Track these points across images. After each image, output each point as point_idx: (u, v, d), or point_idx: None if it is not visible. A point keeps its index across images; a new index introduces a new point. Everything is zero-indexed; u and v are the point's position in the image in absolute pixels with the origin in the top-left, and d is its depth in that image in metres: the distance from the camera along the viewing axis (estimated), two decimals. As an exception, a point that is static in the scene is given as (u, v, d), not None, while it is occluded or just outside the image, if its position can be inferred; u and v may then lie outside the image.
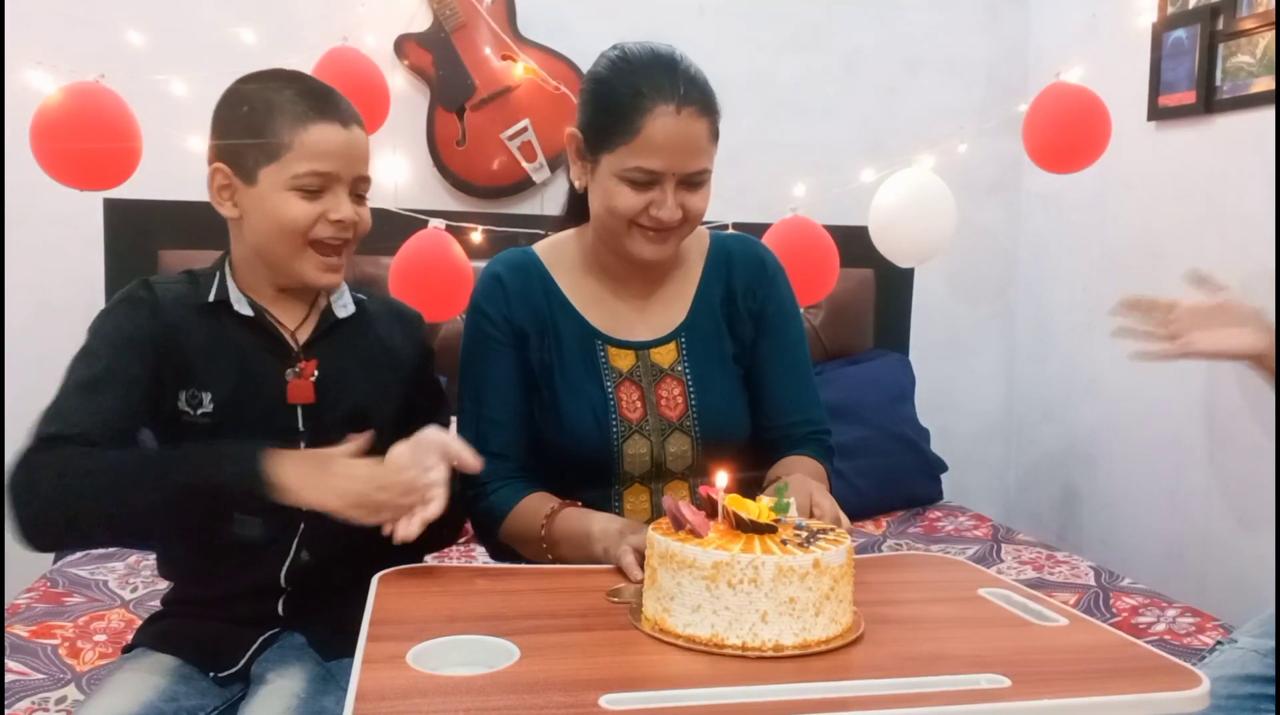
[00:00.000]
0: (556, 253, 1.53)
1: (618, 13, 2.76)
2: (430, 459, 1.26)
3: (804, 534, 1.06)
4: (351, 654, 0.98)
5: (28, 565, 2.28)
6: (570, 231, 1.55)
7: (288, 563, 1.36)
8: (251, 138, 1.31)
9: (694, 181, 1.38)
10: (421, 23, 2.66)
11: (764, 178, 2.69)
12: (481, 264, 1.64)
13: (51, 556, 2.24)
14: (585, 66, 1.50)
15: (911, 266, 2.79)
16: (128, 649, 1.41)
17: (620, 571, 1.22)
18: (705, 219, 1.46)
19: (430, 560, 1.52)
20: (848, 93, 2.97)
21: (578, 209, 1.52)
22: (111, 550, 2.20)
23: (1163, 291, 1.73)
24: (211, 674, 1.33)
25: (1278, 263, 2.17)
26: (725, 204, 1.92)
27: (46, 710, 1.53)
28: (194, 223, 2.29)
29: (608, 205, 1.39)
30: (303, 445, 1.36)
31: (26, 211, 2.50)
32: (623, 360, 1.48)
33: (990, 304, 3.18)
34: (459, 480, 1.47)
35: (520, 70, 2.66)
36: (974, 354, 3.18)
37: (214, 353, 1.35)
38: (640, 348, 1.49)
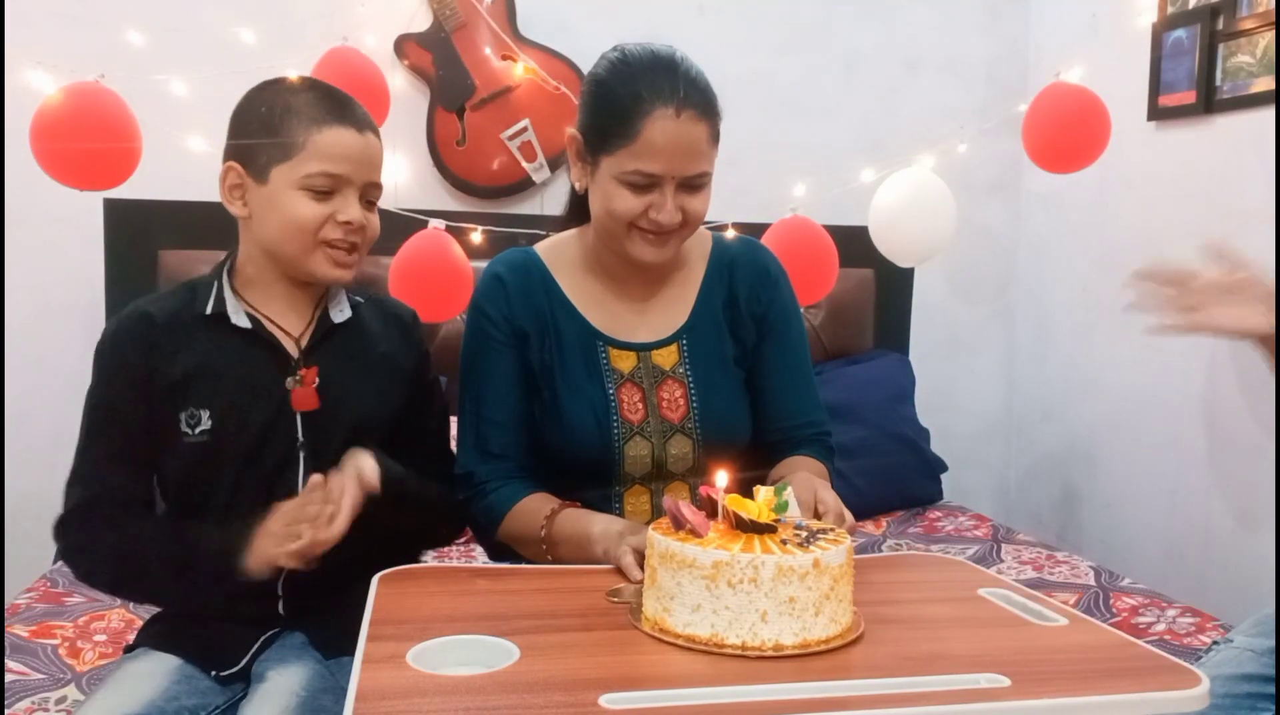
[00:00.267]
0: (558, 253, 1.53)
1: (618, 13, 2.76)
2: (338, 486, 1.26)
3: (804, 534, 1.06)
4: (351, 653, 0.98)
5: (28, 565, 2.29)
6: (571, 232, 1.55)
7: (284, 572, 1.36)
8: (265, 136, 1.33)
9: (694, 184, 1.38)
10: (421, 23, 2.66)
11: (764, 178, 2.69)
12: (481, 264, 1.64)
13: (51, 556, 2.24)
14: (585, 66, 1.50)
15: (911, 266, 2.79)
16: (129, 648, 1.41)
17: (620, 571, 1.22)
18: (705, 219, 1.46)
19: (430, 560, 1.53)
20: (848, 93, 2.97)
21: (579, 209, 1.52)
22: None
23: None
24: (212, 673, 1.33)
25: (1278, 263, 2.17)
26: (725, 204, 1.92)
27: (46, 710, 1.53)
28: (194, 223, 2.31)
29: (607, 208, 1.39)
30: (303, 454, 1.37)
31: (26, 211, 2.50)
32: (624, 362, 1.48)
33: (990, 304, 3.18)
34: (446, 483, 1.47)
35: (520, 70, 2.66)
36: (974, 354, 3.18)
37: (210, 369, 1.35)
38: (641, 349, 1.49)
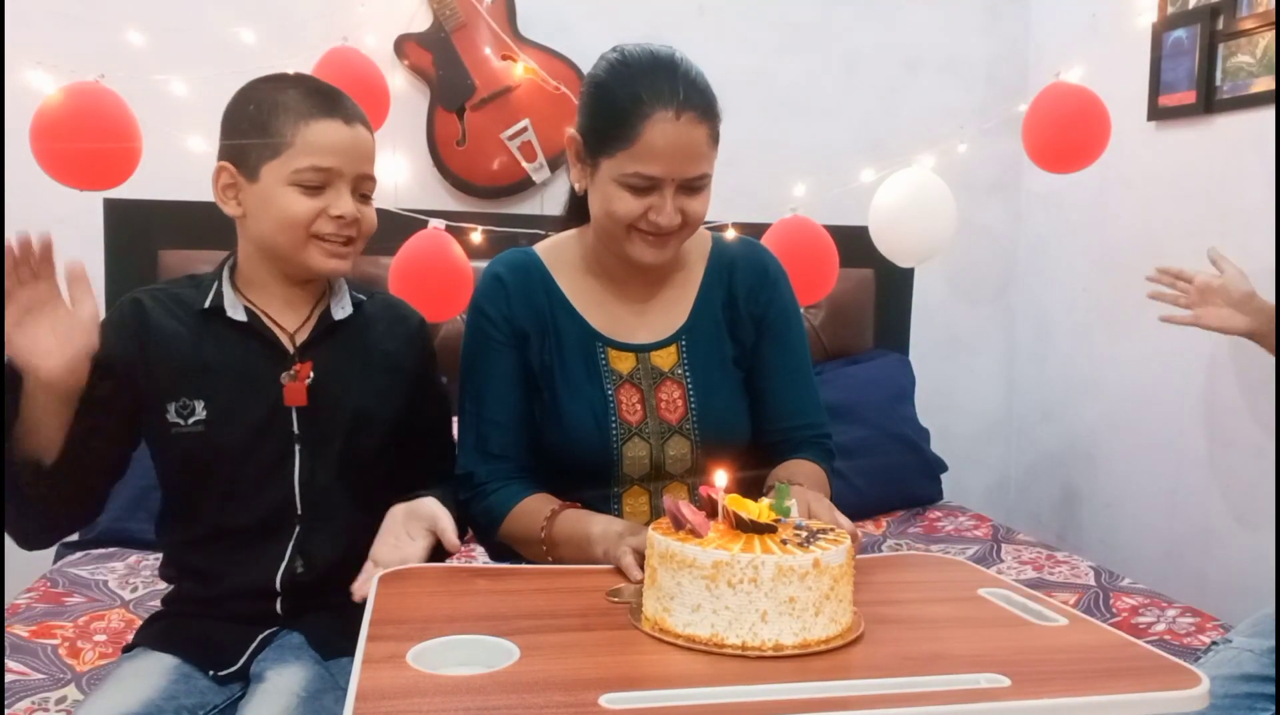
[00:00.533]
0: (557, 253, 1.53)
1: (618, 13, 2.76)
2: (415, 528, 1.30)
3: (804, 534, 1.06)
4: (351, 653, 0.98)
5: (28, 565, 2.28)
6: (571, 232, 1.55)
7: (282, 568, 1.37)
8: (256, 136, 1.33)
9: (693, 186, 1.38)
10: (421, 23, 2.66)
11: (764, 178, 2.69)
12: (481, 264, 1.64)
13: (51, 556, 2.24)
14: (585, 67, 1.50)
15: (911, 266, 2.79)
16: (128, 648, 1.41)
17: (620, 572, 1.22)
18: (706, 220, 1.45)
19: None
20: (848, 93, 2.97)
21: (578, 209, 1.52)
22: (112, 550, 2.20)
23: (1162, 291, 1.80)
24: (211, 673, 1.34)
25: (1278, 263, 2.18)
26: (725, 204, 1.92)
27: (46, 710, 1.53)
28: (194, 223, 2.31)
29: (607, 209, 1.39)
30: (299, 448, 1.37)
31: (26, 211, 2.49)
32: (623, 363, 1.48)
33: (990, 304, 3.18)
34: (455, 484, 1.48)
35: (520, 70, 2.66)
36: (974, 354, 3.18)
37: (207, 361, 1.36)
38: (640, 350, 1.49)
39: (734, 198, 2.35)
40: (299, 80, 1.38)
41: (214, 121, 1.40)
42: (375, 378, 1.43)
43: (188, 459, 1.37)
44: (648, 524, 1.16)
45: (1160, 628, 1.89)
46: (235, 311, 1.38)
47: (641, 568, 1.14)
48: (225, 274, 1.41)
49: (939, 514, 2.65)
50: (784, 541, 1.03)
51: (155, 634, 1.39)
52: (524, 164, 2.70)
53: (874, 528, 2.54)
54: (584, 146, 1.41)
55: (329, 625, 1.34)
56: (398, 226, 2.36)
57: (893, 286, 2.95)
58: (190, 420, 1.34)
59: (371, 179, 1.39)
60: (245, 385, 1.37)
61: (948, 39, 3.02)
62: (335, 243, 1.35)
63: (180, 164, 2.21)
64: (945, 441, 2.86)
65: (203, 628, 1.36)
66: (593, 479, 1.47)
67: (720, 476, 1.13)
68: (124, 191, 2.22)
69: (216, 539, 1.38)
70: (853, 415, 2.59)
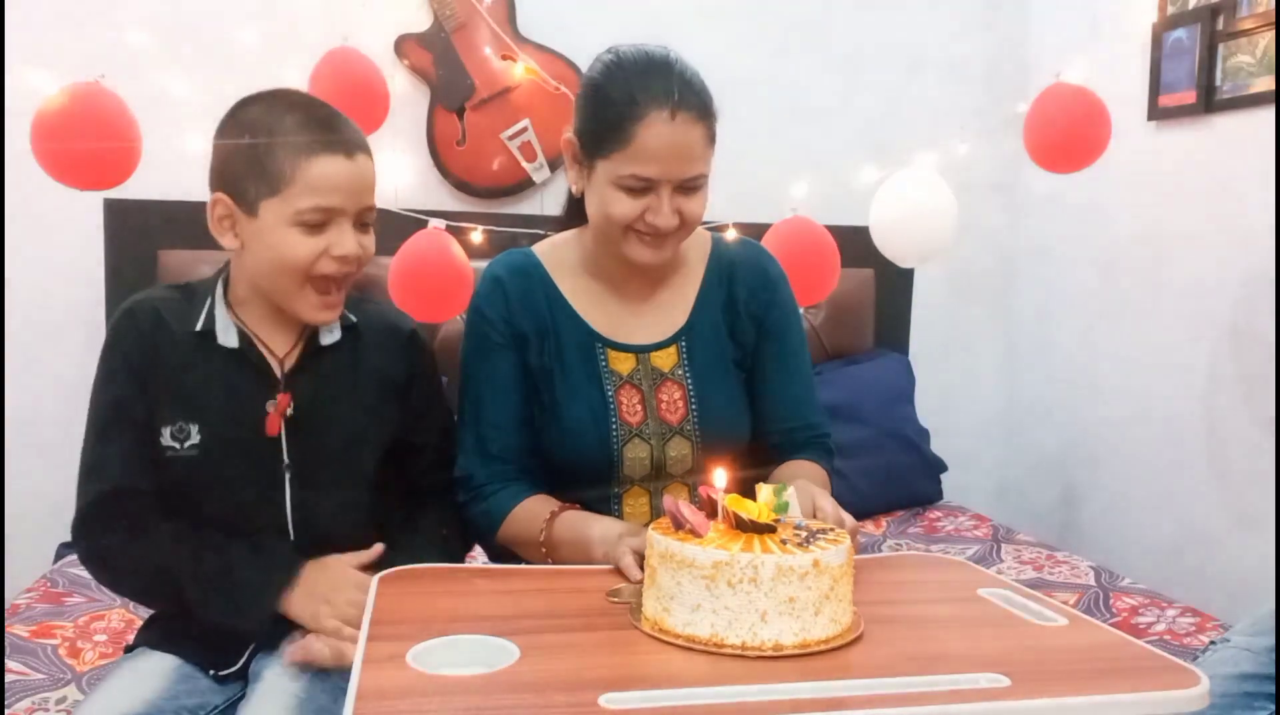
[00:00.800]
0: (557, 254, 1.53)
1: (618, 13, 2.75)
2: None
3: (803, 534, 1.06)
4: (351, 654, 0.98)
5: (28, 565, 2.29)
6: (570, 233, 1.55)
7: None
8: (252, 167, 1.27)
9: (690, 187, 1.38)
10: (421, 23, 2.66)
11: (764, 178, 2.68)
12: (481, 264, 1.64)
13: (51, 556, 2.24)
14: (585, 67, 1.50)
15: (912, 267, 2.79)
16: (129, 649, 1.41)
17: (620, 572, 1.22)
18: (705, 220, 1.45)
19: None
20: (848, 93, 2.97)
21: (577, 210, 1.52)
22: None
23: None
24: (211, 673, 1.34)
25: (1278, 263, 2.18)
26: (725, 204, 1.92)
27: (46, 710, 1.54)
28: (194, 223, 2.28)
29: (604, 211, 1.39)
30: (288, 476, 1.36)
31: (26, 211, 2.50)
32: (623, 364, 1.48)
33: (990, 304, 3.18)
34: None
35: (520, 70, 2.66)
36: (974, 354, 3.18)
37: (201, 384, 1.34)
38: (640, 351, 1.49)
39: (734, 198, 2.35)
40: (294, 103, 1.31)
41: (214, 122, 1.36)
42: (366, 398, 1.40)
43: (181, 482, 1.34)
44: (648, 524, 1.16)
45: (1160, 628, 1.90)
46: (227, 336, 1.35)
47: (641, 568, 1.14)
48: (219, 291, 1.38)
49: (939, 514, 2.65)
50: (784, 541, 1.03)
51: (156, 634, 1.39)
52: (524, 164, 2.70)
53: (874, 528, 2.54)
54: (580, 149, 1.41)
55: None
56: (398, 226, 2.36)
57: (893, 287, 2.95)
58: (185, 444, 1.32)
59: (373, 209, 1.35)
60: (235, 412, 1.34)
61: (948, 39, 3.02)
62: (331, 284, 1.32)
63: (180, 164, 2.20)
64: (945, 441, 2.86)
65: (203, 628, 1.36)
66: (593, 480, 1.47)
67: (720, 476, 1.13)
68: (124, 191, 2.22)
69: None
70: (853, 415, 2.59)
